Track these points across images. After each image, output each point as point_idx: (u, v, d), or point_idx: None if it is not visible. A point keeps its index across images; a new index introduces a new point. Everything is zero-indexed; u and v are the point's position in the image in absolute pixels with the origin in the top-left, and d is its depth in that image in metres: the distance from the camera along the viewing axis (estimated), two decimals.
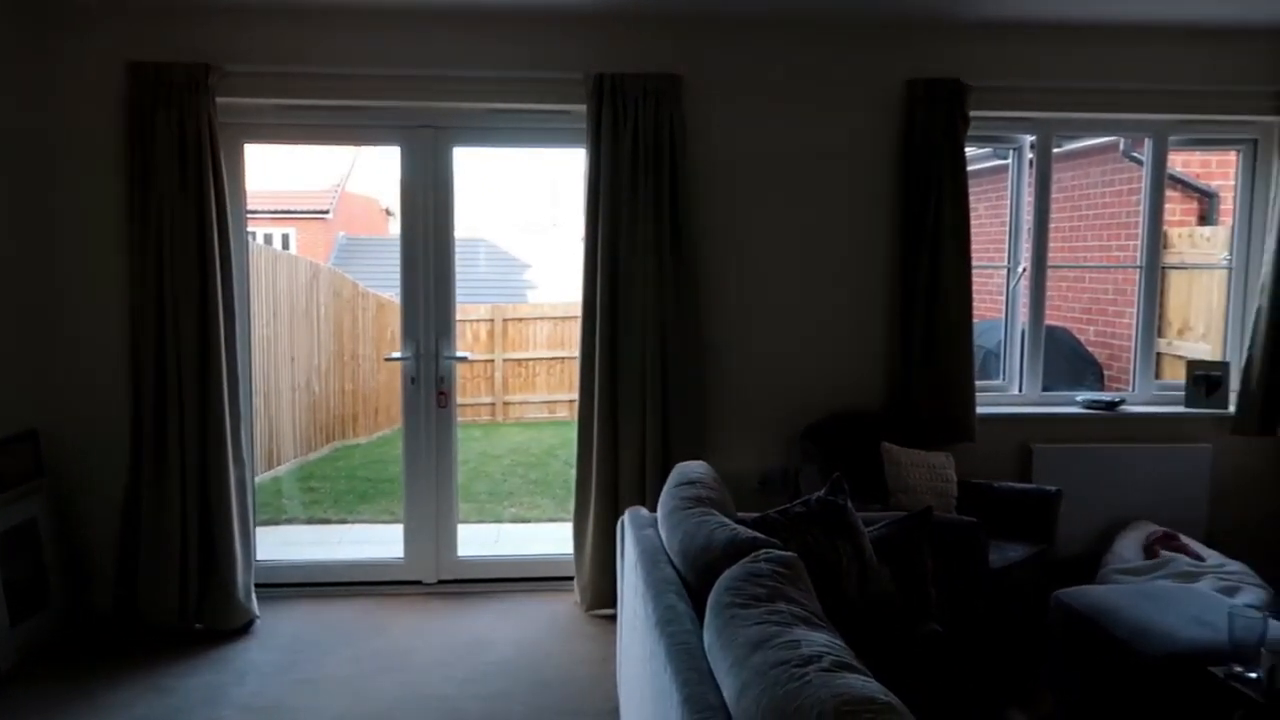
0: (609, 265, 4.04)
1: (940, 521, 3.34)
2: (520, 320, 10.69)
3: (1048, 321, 4.68)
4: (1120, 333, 6.43)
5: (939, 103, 4.12)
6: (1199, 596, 3.19)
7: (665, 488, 2.92)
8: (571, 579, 4.31)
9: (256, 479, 4.58)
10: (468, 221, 15.37)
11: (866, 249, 4.28)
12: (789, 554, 2.26)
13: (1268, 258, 4.32)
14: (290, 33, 3.98)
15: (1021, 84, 4.25)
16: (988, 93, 4.19)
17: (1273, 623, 2.65)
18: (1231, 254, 4.68)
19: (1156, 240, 4.59)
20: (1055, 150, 4.56)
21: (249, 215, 4.32)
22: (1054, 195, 4.61)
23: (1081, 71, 4.27)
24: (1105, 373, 6.43)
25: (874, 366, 4.31)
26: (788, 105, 4.19)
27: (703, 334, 4.17)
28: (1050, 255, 4.58)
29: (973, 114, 4.16)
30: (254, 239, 12.15)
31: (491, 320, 10.53)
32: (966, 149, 4.20)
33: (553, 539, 4.96)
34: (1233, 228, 4.70)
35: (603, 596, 4.06)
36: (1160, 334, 6.28)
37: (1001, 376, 4.68)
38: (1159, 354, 6.19)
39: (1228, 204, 5.20)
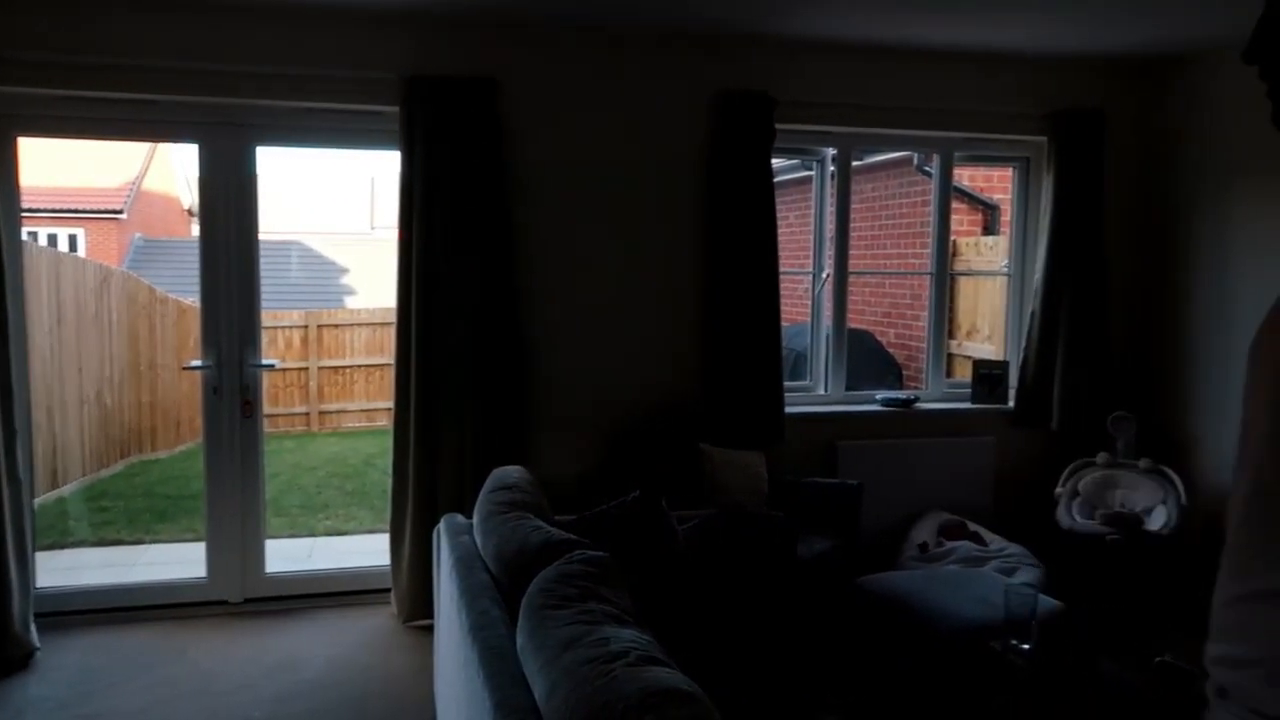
0: (424, 269, 3.97)
1: (751, 517, 3.47)
2: (336, 326, 10.33)
3: (852, 325, 4.95)
4: (917, 335, 6.87)
5: (747, 115, 4.28)
6: (982, 578, 3.46)
7: (481, 493, 2.89)
8: (389, 591, 4.21)
9: (37, 500, 4.21)
10: (280, 223, 14.70)
11: (681, 254, 4.39)
12: (601, 554, 2.29)
13: (1039, 265, 4.73)
14: (68, 18, 3.70)
15: (824, 99, 4.48)
16: (793, 107, 4.39)
17: (1042, 598, 2.90)
18: (1010, 262, 5.09)
19: (945, 248, 4.94)
20: (856, 163, 4.84)
21: (26, 214, 3.98)
22: (856, 205, 4.90)
23: (879, 90, 4.54)
24: (904, 372, 6.86)
25: (691, 369, 4.42)
26: (603, 112, 4.25)
27: (522, 338, 4.16)
28: (852, 262, 4.84)
29: (779, 127, 4.35)
30: (33, 240, 11.19)
31: (305, 326, 10.13)
32: (774, 160, 4.39)
33: (370, 551, 4.83)
34: (1011, 238, 5.11)
35: (421, 607, 3.98)
36: (951, 336, 6.77)
37: (809, 378, 4.91)
38: (950, 354, 6.66)
39: (1009, 215, 5.67)
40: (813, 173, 4.86)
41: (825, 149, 4.74)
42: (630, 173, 4.32)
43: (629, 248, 4.35)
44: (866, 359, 6.71)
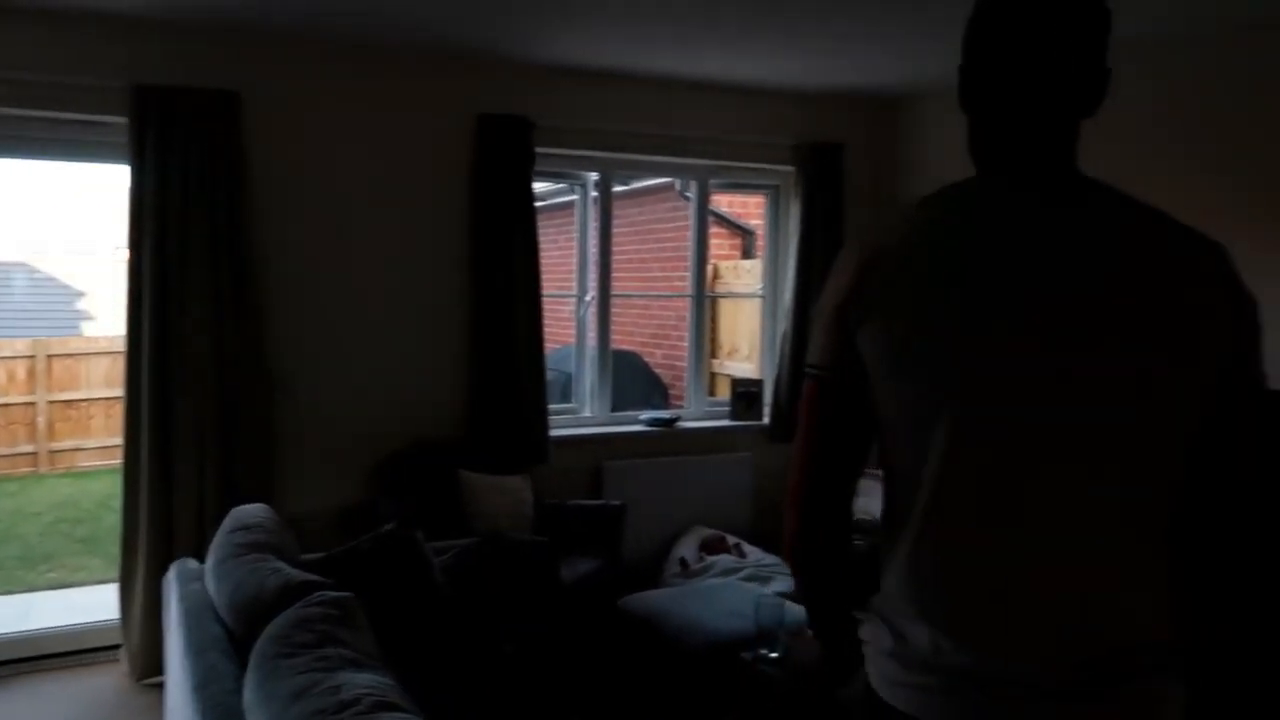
0: (157, 294, 3.67)
1: (512, 543, 3.43)
2: (70, 355, 9.36)
3: (621, 346, 5.03)
4: (682, 355, 7.08)
5: (508, 138, 4.26)
6: (738, 590, 3.58)
7: (217, 535, 2.68)
8: (119, 648, 3.83)
9: None
10: (5, 244, 13.22)
11: (444, 277, 4.30)
12: (344, 595, 2.17)
13: (789, 288, 5.00)
14: None
15: (585, 125, 4.54)
16: (554, 132, 4.42)
17: (790, 606, 3.03)
18: (764, 284, 5.35)
19: (703, 271, 5.12)
20: (623, 188, 4.96)
21: None
22: (625, 229, 5.00)
23: (639, 117, 4.65)
24: (670, 392, 7.05)
25: (454, 394, 4.33)
26: (360, 130, 4.10)
27: (270, 366, 3.92)
28: (622, 285, 4.94)
29: (541, 150, 4.36)
30: None
31: (33, 356, 9.11)
32: (540, 183, 4.39)
33: (100, 604, 4.37)
34: (764, 261, 5.38)
35: (155, 663, 3.64)
36: (714, 355, 7.04)
37: (575, 399, 4.94)
38: (714, 374, 6.92)
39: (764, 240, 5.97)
40: (576, 197, 4.91)
41: (588, 173, 4.81)
42: (392, 194, 4.19)
43: (392, 270, 4.21)
44: (634, 379, 6.85)
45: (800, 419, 1.32)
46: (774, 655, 2.84)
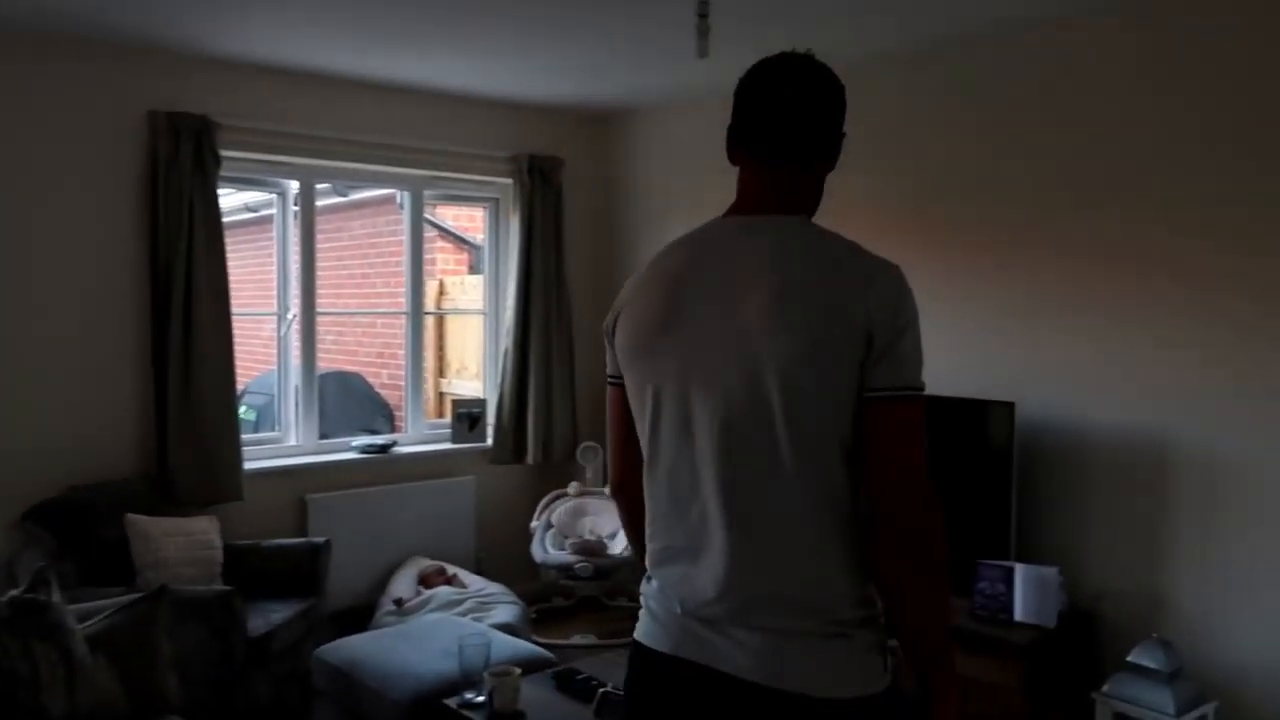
0: None
1: (186, 596, 3.02)
2: None
3: (343, 367, 4.64)
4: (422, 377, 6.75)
5: (186, 139, 3.81)
6: (451, 628, 3.34)
7: None
8: None
9: None
10: None
11: (118, 297, 3.78)
12: None
13: (510, 304, 4.84)
14: None
15: (277, 127, 4.15)
16: (241, 133, 4.01)
17: (496, 642, 2.85)
18: (485, 300, 5.16)
19: (419, 287, 4.86)
20: (342, 199, 4.58)
21: None
22: (346, 243, 4.62)
23: (343, 121, 4.32)
24: (398, 414, 6.69)
25: (128, 430, 3.81)
26: (11, 127, 3.52)
27: None
28: (343, 301, 4.56)
29: (226, 154, 3.94)
30: None
31: None
32: (225, 192, 3.96)
33: None
34: (485, 277, 5.19)
35: None
36: (442, 374, 6.77)
37: (277, 427, 4.51)
38: (443, 393, 6.64)
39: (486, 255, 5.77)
40: (274, 209, 4.50)
41: (286, 181, 4.41)
42: (54, 202, 3.63)
43: (52, 293, 3.65)
44: (356, 402, 6.44)
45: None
46: (478, 700, 2.64)
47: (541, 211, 4.87)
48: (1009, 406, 3.27)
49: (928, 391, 1.34)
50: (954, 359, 3.52)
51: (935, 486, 1.30)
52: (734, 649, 1.34)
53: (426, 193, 4.86)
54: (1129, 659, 2.85)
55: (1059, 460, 3.33)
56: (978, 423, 3.36)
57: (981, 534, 3.29)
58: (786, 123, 1.41)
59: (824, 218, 1.45)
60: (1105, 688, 2.87)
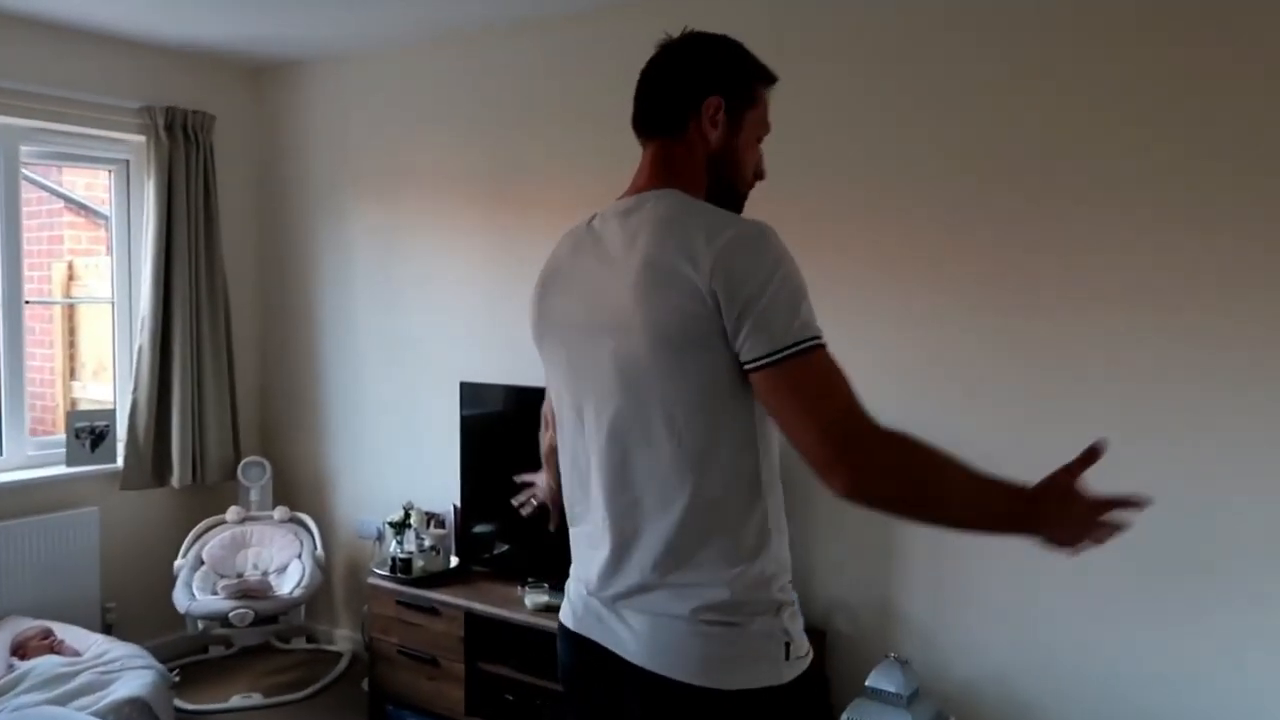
0: None
1: None
2: None
3: None
4: (48, 377, 5.50)
5: None
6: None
7: None
8: None
9: None
10: None
11: None
12: None
13: (146, 290, 3.91)
14: None
15: None
16: None
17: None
18: (115, 287, 4.17)
19: (17, 267, 3.82)
20: None
21: None
22: None
23: None
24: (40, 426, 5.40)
25: None
26: None
27: None
28: None
29: None
30: None
31: None
32: None
33: None
34: (114, 257, 4.20)
35: None
36: (74, 377, 5.56)
37: None
38: (75, 399, 5.45)
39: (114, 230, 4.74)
40: None
41: None
42: None
43: None
44: None
45: None
46: None
47: (187, 178, 3.98)
48: None
49: None
50: None
51: (868, 423, 1.21)
52: (626, 632, 1.36)
53: (25, 148, 3.81)
54: (868, 683, 2.58)
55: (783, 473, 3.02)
56: None
57: None
58: (642, 95, 1.46)
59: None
60: (845, 716, 2.58)
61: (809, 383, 1.23)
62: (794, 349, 1.22)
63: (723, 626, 1.29)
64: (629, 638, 1.35)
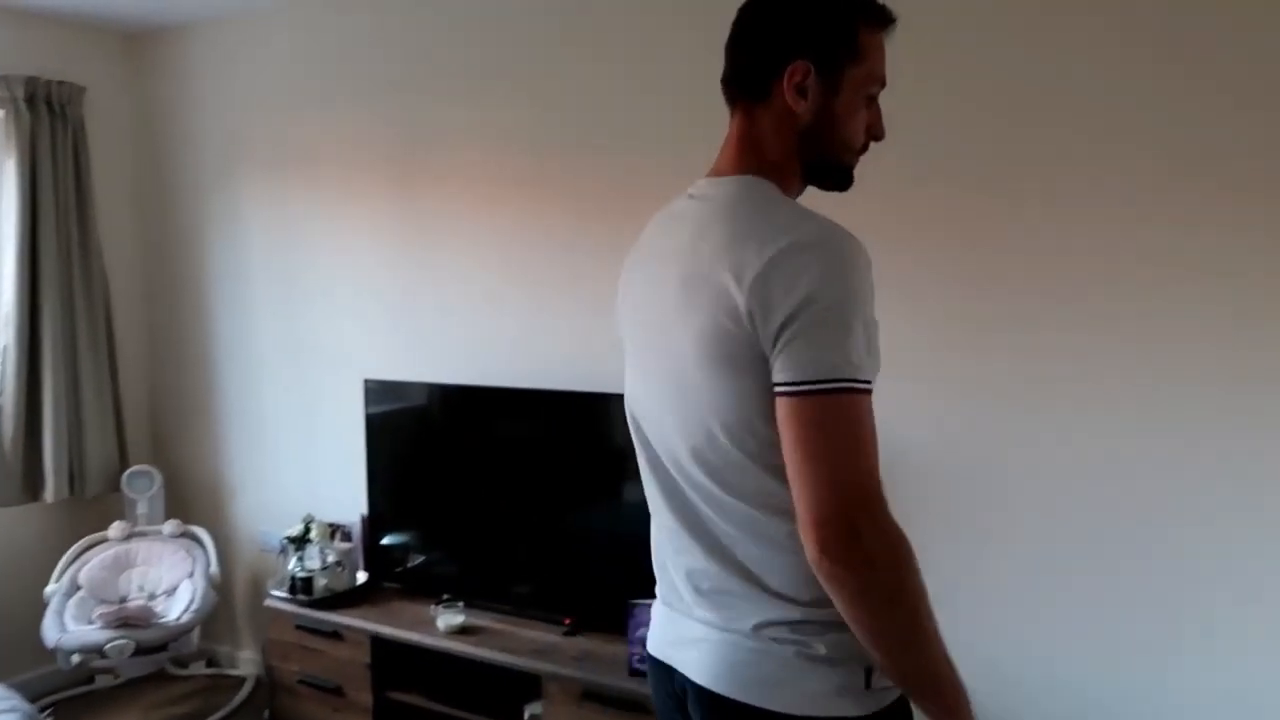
0: None
1: None
2: None
3: None
4: None
5: None
6: None
7: None
8: None
9: None
10: None
11: None
12: None
13: (9, 282, 3.49)
14: None
15: None
16: None
17: None
18: None
19: None
20: None
21: None
22: None
23: None
24: None
25: None
26: None
27: None
28: None
29: None
30: None
31: None
32: None
33: None
34: None
35: None
36: None
37: None
38: None
39: None
40: None
41: None
42: None
43: None
44: None
45: None
46: None
47: (54, 156, 3.56)
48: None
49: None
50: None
51: (880, 506, 1.06)
52: (690, 648, 1.25)
53: None
54: None
55: None
56: (597, 421, 2.71)
57: (634, 567, 2.61)
58: (728, 49, 1.25)
59: None
60: None
61: (834, 428, 1.06)
62: (824, 386, 1.05)
63: (787, 645, 1.16)
64: (694, 654, 1.23)
